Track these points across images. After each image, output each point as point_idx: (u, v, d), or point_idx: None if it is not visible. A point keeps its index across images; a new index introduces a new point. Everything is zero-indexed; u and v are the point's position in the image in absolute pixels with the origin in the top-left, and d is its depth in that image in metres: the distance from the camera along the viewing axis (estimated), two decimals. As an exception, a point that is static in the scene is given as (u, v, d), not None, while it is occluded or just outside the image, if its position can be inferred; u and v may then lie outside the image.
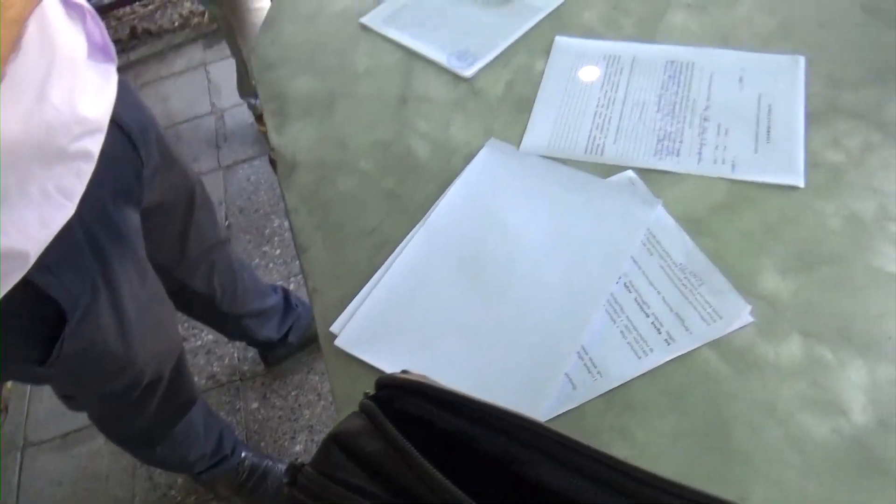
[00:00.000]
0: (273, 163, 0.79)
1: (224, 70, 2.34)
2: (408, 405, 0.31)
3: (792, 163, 0.66)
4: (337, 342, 0.62)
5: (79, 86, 0.70)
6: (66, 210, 0.70)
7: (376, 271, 0.66)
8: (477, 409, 0.31)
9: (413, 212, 0.69)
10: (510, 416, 0.31)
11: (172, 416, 1.14)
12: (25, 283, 0.68)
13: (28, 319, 0.75)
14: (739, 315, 0.57)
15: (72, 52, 0.70)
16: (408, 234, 0.68)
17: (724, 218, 0.64)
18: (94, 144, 0.73)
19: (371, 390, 0.34)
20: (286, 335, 1.49)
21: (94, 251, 0.78)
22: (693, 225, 0.64)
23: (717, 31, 0.80)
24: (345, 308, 0.64)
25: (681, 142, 0.70)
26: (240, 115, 2.20)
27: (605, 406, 0.55)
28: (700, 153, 0.69)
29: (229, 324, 1.36)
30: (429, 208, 0.69)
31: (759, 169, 0.66)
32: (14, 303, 0.67)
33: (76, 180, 0.71)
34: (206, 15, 2.53)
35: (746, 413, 0.53)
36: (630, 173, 0.69)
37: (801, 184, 0.64)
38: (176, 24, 2.56)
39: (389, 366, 0.60)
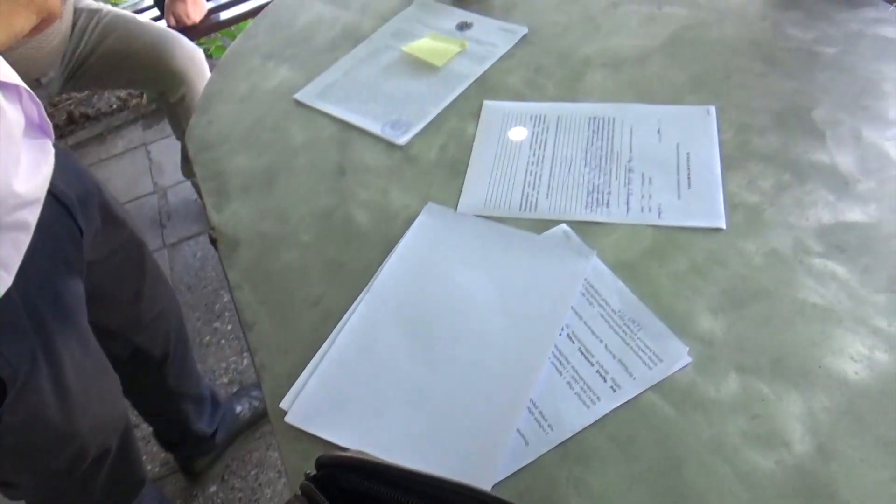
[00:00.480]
0: (213, 241, 0.79)
1: (165, 149, 2.34)
2: (349, 482, 0.31)
3: (713, 206, 0.70)
4: (287, 418, 0.61)
5: (15, 162, 0.70)
6: (2, 281, 0.69)
7: (323, 342, 0.66)
8: (417, 481, 0.31)
9: (357, 280, 0.70)
10: (451, 486, 0.31)
11: (122, 499, 1.09)
12: None
13: None
14: (678, 357, 0.59)
15: (9, 130, 0.70)
16: (352, 302, 0.68)
17: (655, 263, 0.67)
18: (32, 215, 0.73)
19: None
20: (215, 433, 1.46)
21: (33, 321, 0.77)
22: (627, 272, 0.66)
23: (632, 87, 0.85)
24: (293, 383, 0.63)
25: (609, 193, 0.74)
26: (183, 192, 2.19)
27: (559, 458, 0.56)
28: (628, 203, 0.72)
29: (170, 406, 1.32)
30: (372, 275, 0.70)
31: (684, 214, 0.70)
32: None
33: (13, 251, 0.71)
34: (144, 96, 2.54)
35: (695, 452, 0.54)
36: (564, 227, 0.71)
37: (724, 226, 0.68)
38: (114, 106, 2.56)
39: (342, 439, 0.59)
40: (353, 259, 0.73)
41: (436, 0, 1.08)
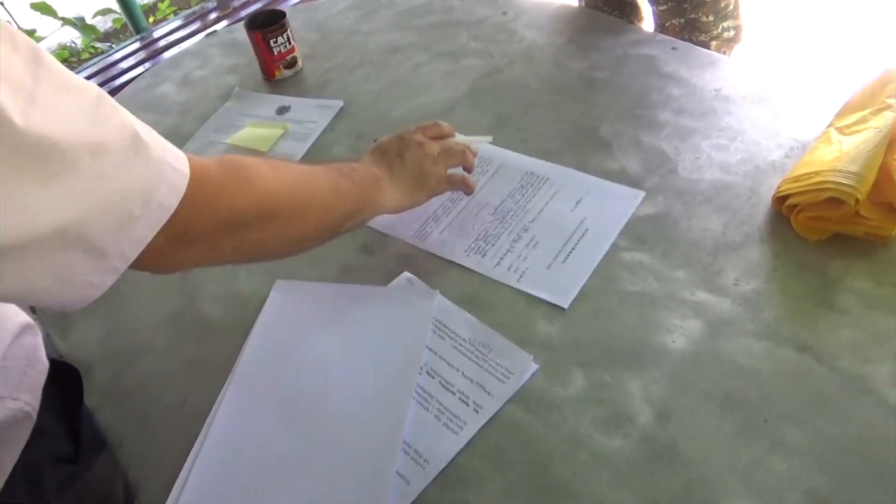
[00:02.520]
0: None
1: None
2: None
3: (569, 287, 0.71)
4: (170, 528, 0.60)
5: None
6: None
7: (194, 445, 0.65)
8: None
9: (219, 374, 0.70)
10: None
11: None
12: None
13: None
14: (527, 367, 0.65)
15: None
16: (217, 396, 0.69)
17: (492, 288, 0.73)
18: None
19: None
20: None
21: None
22: (470, 302, 0.72)
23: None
24: (170, 493, 0.63)
25: (492, 245, 0.77)
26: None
27: (440, 488, 0.59)
28: (501, 259, 0.75)
29: None
30: (232, 365, 0.71)
31: (540, 286, 0.72)
32: None
33: None
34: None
35: (557, 449, 0.59)
36: (407, 274, 0.76)
37: (566, 305, 0.69)
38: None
39: (228, 530, 0.59)
40: (213, 354, 0.73)
41: (252, 91, 1.12)
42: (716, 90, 0.91)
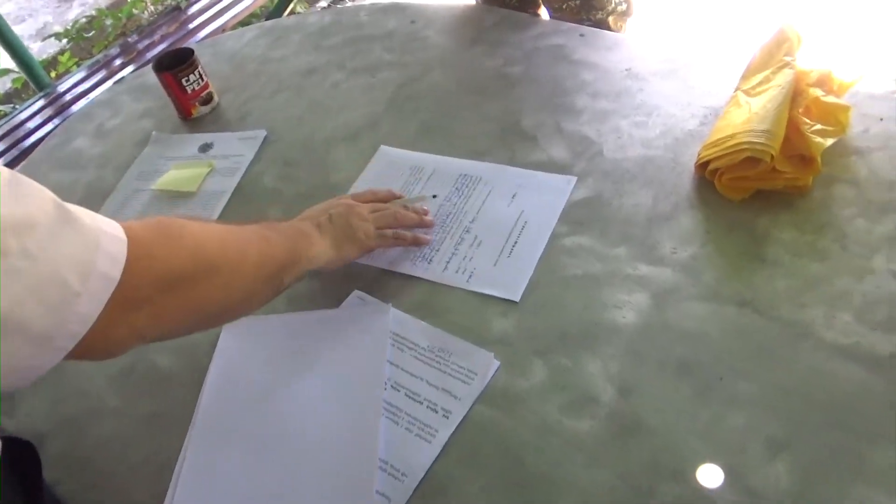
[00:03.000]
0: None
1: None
2: None
3: (517, 280, 0.72)
4: (152, 589, 0.58)
5: None
6: None
7: (164, 499, 0.64)
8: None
9: (180, 423, 0.69)
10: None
11: None
12: None
13: None
14: (489, 365, 0.66)
15: None
16: (182, 446, 0.67)
17: (443, 292, 0.73)
18: None
19: None
20: None
21: None
22: (424, 310, 0.72)
23: (372, 149, 0.93)
24: (147, 551, 0.61)
25: (437, 251, 0.77)
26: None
27: (421, 499, 0.59)
28: (448, 262, 0.76)
29: None
30: (192, 414, 0.69)
31: (489, 283, 0.73)
32: None
33: None
34: None
35: (529, 440, 0.60)
36: (357, 292, 0.76)
37: (517, 299, 0.70)
38: None
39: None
40: (170, 405, 0.71)
41: (170, 133, 1.10)
42: (626, 70, 0.94)
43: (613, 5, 1.21)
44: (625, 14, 1.25)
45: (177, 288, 0.50)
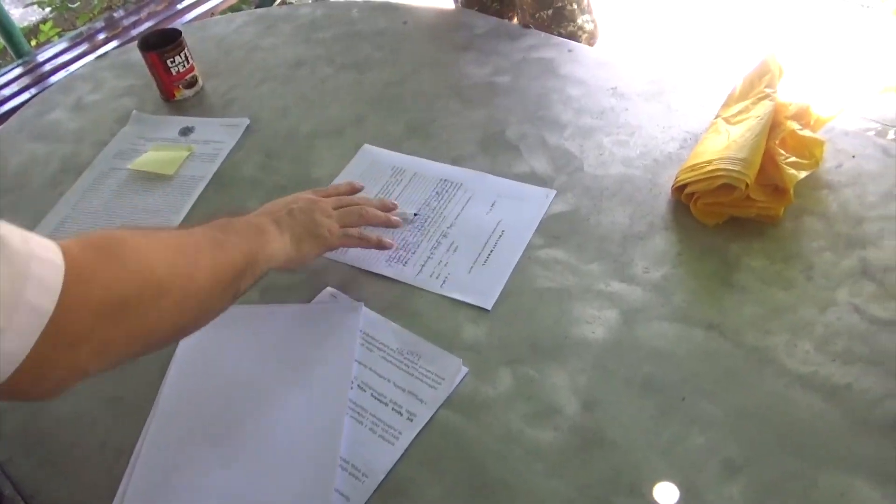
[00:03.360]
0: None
1: None
2: None
3: (491, 288, 0.72)
4: (100, 576, 0.57)
5: None
6: None
7: (119, 484, 0.63)
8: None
9: (141, 409, 0.68)
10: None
11: None
12: None
13: None
14: (457, 371, 0.66)
15: None
16: (141, 433, 0.66)
17: (416, 295, 0.73)
18: None
19: None
20: None
21: None
22: (396, 311, 0.72)
23: (355, 147, 0.93)
24: (98, 536, 0.60)
25: (413, 253, 0.77)
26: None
27: (381, 501, 0.59)
28: (423, 266, 0.76)
29: None
30: (154, 398, 0.68)
31: (462, 289, 0.73)
32: None
33: None
34: None
35: (491, 448, 0.61)
36: (329, 289, 0.76)
37: (490, 307, 0.71)
38: None
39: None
40: (133, 389, 0.70)
41: (151, 113, 1.08)
42: (612, 88, 0.96)
43: (581, 22, 1.24)
44: (591, 37, 1.28)
45: (122, 315, 0.44)
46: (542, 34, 1.10)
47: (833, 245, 0.71)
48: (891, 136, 2.15)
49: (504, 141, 0.90)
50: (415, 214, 0.81)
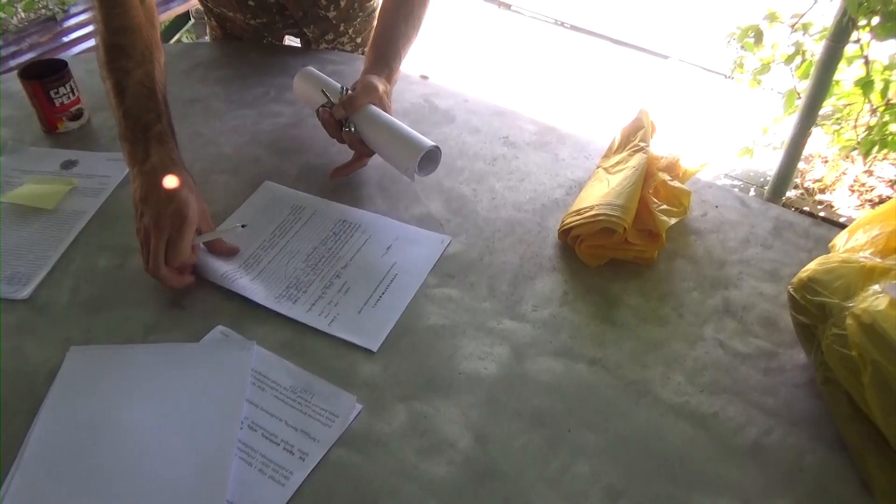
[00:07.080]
0: None
1: None
2: None
3: (379, 330, 0.73)
4: None
5: None
6: None
7: (-25, 540, 0.57)
8: None
9: (8, 452, 0.62)
10: None
11: None
12: None
13: None
14: (351, 408, 0.66)
15: None
16: (7, 475, 0.61)
17: (312, 333, 0.73)
18: None
19: None
20: None
21: None
22: (289, 349, 0.71)
23: (252, 185, 0.92)
24: None
25: (304, 292, 0.77)
26: None
27: (269, 545, 0.57)
28: (314, 305, 0.76)
29: None
30: (19, 447, 0.63)
31: (349, 330, 0.73)
32: None
33: None
34: None
35: (386, 484, 0.60)
36: (220, 327, 0.74)
37: (375, 349, 0.71)
38: None
39: None
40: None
41: (30, 145, 1.02)
42: (504, 137, 1.01)
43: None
44: None
45: None
46: (440, 85, 1.14)
47: (700, 285, 0.78)
48: (752, 193, 2.37)
49: (403, 183, 0.92)
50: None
